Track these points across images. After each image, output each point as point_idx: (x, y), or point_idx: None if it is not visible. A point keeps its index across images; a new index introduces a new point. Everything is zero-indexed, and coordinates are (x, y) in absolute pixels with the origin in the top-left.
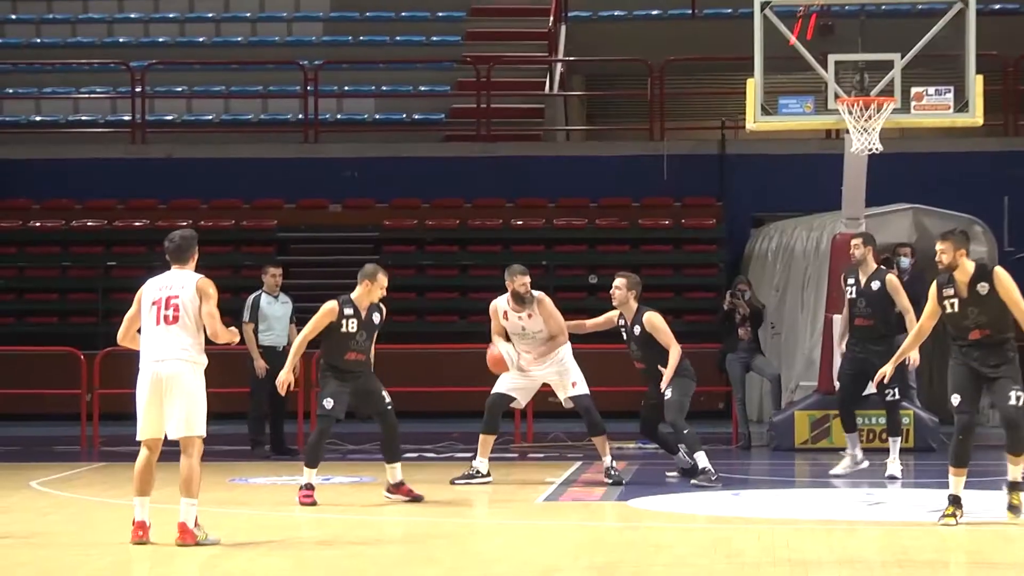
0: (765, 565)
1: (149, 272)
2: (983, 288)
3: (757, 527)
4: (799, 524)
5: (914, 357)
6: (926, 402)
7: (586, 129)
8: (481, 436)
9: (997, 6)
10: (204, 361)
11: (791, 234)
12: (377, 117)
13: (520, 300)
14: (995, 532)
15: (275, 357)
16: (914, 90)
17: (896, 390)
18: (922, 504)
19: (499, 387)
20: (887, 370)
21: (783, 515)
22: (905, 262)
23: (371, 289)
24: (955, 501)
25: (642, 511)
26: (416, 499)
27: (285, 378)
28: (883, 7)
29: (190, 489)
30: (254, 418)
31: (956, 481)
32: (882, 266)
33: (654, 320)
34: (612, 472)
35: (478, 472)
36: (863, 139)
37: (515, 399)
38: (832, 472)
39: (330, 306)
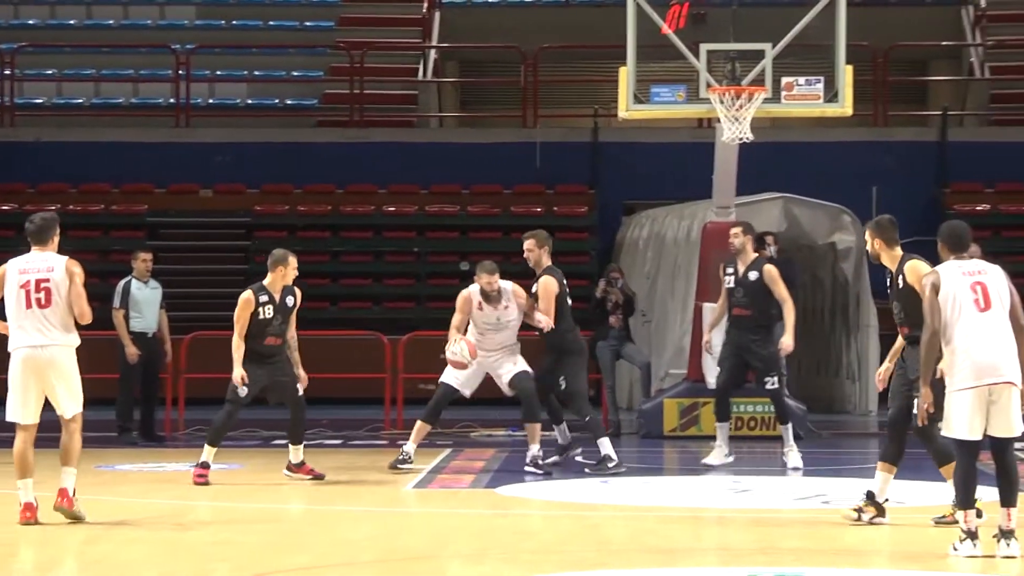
0: (633, 552)
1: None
2: (900, 281)
3: (625, 515)
4: (667, 512)
5: (786, 343)
6: (795, 390)
7: (459, 116)
8: (419, 423)
9: None
10: (77, 341)
11: (662, 222)
12: (249, 102)
13: (487, 298)
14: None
15: (145, 343)
16: (785, 80)
17: (776, 378)
18: (789, 492)
19: (449, 378)
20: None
21: (651, 503)
22: (770, 250)
23: (285, 273)
24: (869, 496)
25: (510, 498)
26: (318, 477)
27: (239, 375)
28: None
29: (70, 458)
30: (123, 403)
31: (879, 476)
32: (760, 255)
33: (547, 283)
34: (540, 462)
35: (409, 456)
36: (734, 128)
37: (462, 392)
38: (704, 461)
39: (246, 296)
